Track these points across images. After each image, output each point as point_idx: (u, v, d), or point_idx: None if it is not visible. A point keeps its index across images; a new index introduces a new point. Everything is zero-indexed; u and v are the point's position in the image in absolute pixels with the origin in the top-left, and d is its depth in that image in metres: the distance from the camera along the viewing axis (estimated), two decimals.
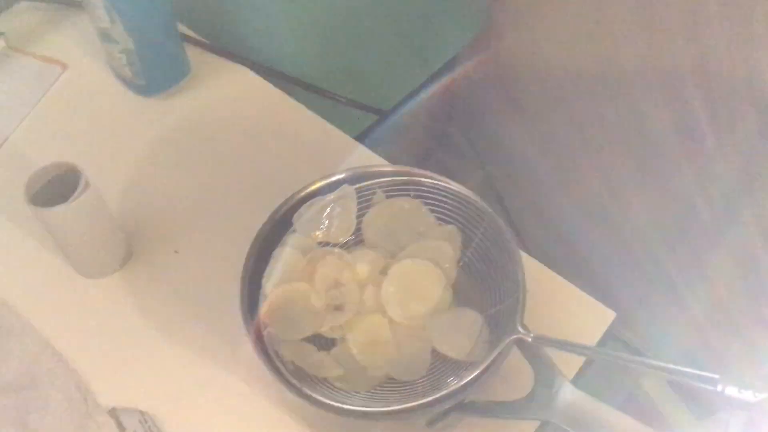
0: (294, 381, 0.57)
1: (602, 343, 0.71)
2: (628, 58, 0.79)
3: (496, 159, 1.22)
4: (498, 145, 1.21)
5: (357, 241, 0.67)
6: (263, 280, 0.62)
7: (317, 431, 0.65)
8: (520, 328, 0.56)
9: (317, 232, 0.65)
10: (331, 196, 0.65)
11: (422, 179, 0.64)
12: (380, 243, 0.66)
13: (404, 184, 0.65)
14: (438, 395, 0.55)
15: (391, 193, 0.66)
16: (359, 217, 0.66)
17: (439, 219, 0.66)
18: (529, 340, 0.56)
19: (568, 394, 0.55)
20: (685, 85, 0.71)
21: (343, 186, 0.65)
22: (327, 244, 0.66)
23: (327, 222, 0.65)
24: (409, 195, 0.65)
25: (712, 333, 0.86)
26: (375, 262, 0.65)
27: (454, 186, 0.64)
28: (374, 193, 0.66)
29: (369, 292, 0.64)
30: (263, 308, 0.61)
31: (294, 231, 0.64)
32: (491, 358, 0.56)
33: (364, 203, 0.66)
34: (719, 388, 0.48)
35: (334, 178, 0.65)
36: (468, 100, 1.23)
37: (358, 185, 0.65)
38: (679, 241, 0.82)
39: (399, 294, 0.63)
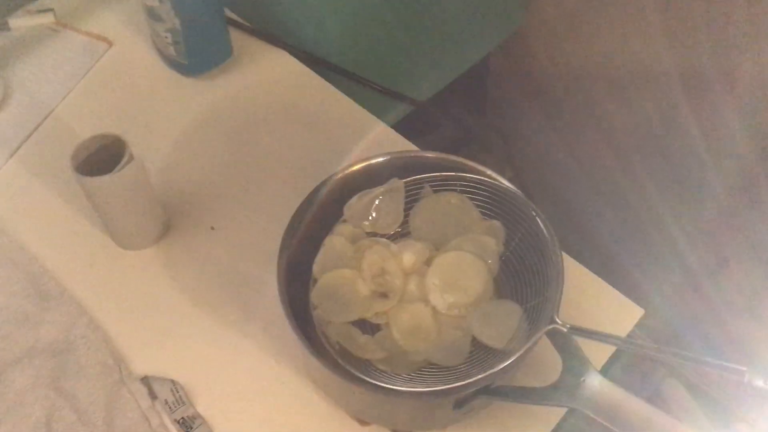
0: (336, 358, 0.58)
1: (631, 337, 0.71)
2: (659, 61, 0.79)
3: (526, 156, 1.22)
4: (527, 143, 1.22)
5: (404, 233, 0.68)
6: (314, 266, 0.64)
7: (344, 408, 0.67)
8: (556, 319, 0.57)
9: (366, 222, 0.67)
10: (381, 188, 0.66)
11: (469, 174, 0.65)
12: (426, 235, 0.67)
13: (452, 179, 0.66)
14: (472, 380, 0.56)
15: (438, 188, 0.67)
16: (406, 209, 0.67)
17: (484, 213, 0.67)
18: (565, 330, 0.57)
19: (596, 383, 0.56)
20: (712, 85, 0.71)
21: (393, 179, 0.66)
22: (375, 234, 0.67)
23: (375, 213, 0.67)
24: (455, 190, 0.66)
25: (734, 322, 0.86)
26: (420, 253, 0.66)
27: (503, 182, 0.65)
28: (422, 187, 0.67)
29: (413, 281, 0.65)
30: (313, 291, 0.63)
31: (344, 220, 0.67)
32: (527, 346, 0.57)
33: (412, 196, 0.67)
34: (746, 379, 0.48)
35: (374, 161, 0.66)
36: (500, 96, 1.24)
37: (406, 179, 0.66)
38: (698, 229, 0.82)
39: (442, 284, 0.64)
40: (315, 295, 0.63)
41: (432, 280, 0.64)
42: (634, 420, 0.54)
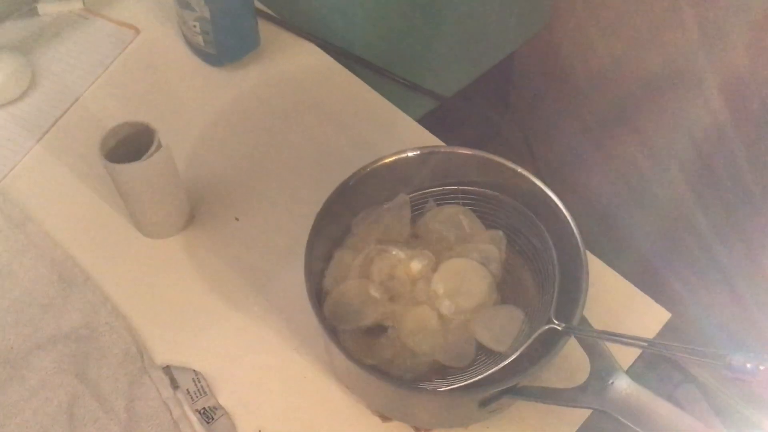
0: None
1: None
2: (694, 61, 0.78)
3: (548, 154, 1.21)
4: (553, 141, 1.21)
5: (411, 245, 0.69)
6: (324, 280, 0.66)
7: (366, 403, 0.66)
8: (553, 319, 0.59)
9: (374, 235, 0.68)
10: (387, 205, 0.68)
11: (471, 188, 0.68)
12: (432, 245, 0.68)
13: (454, 192, 0.69)
14: (478, 377, 0.58)
15: (441, 201, 0.69)
16: (412, 222, 0.69)
17: (488, 221, 0.69)
18: (560, 329, 0.58)
19: (624, 385, 0.55)
20: (744, 85, 0.70)
21: (400, 195, 0.68)
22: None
23: (383, 227, 0.68)
24: (458, 203, 0.69)
25: (761, 316, 0.84)
26: (427, 259, 0.67)
27: (505, 199, 0.67)
28: (426, 201, 0.69)
29: (420, 285, 0.66)
30: (326, 304, 0.65)
31: (353, 234, 0.68)
32: (525, 346, 0.59)
33: (417, 210, 0.70)
34: (727, 361, 0.48)
35: (405, 155, 0.66)
36: (525, 94, 1.23)
37: (411, 194, 0.69)
38: (730, 228, 0.81)
39: (447, 289, 0.65)
40: (328, 308, 0.64)
41: (437, 285, 0.65)
42: (662, 424, 0.53)
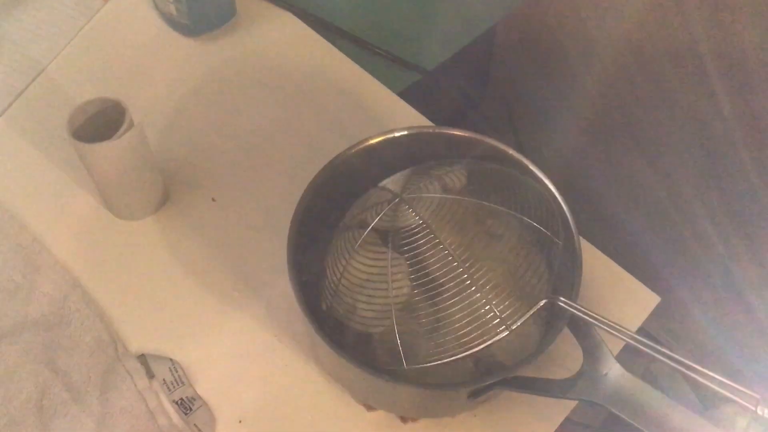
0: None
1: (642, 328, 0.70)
2: (694, 38, 0.75)
3: (530, 128, 1.19)
4: (532, 115, 1.19)
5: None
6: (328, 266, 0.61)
7: (346, 391, 0.64)
8: (550, 293, 0.57)
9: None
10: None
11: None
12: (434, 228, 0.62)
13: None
14: (470, 351, 0.55)
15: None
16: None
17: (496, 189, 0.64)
18: (560, 304, 0.56)
19: (618, 376, 0.54)
20: (753, 69, 0.68)
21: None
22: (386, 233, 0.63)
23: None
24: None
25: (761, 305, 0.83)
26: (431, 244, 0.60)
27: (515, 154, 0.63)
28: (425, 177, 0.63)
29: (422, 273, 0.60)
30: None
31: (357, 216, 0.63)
32: (523, 319, 0.56)
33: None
34: (759, 410, 0.47)
35: (392, 135, 0.63)
36: (507, 67, 1.20)
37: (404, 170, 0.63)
38: (734, 227, 0.80)
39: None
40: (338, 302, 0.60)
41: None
42: (655, 416, 0.52)
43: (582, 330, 0.56)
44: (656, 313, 0.69)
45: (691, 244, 0.83)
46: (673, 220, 0.85)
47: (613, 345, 0.64)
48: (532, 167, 0.63)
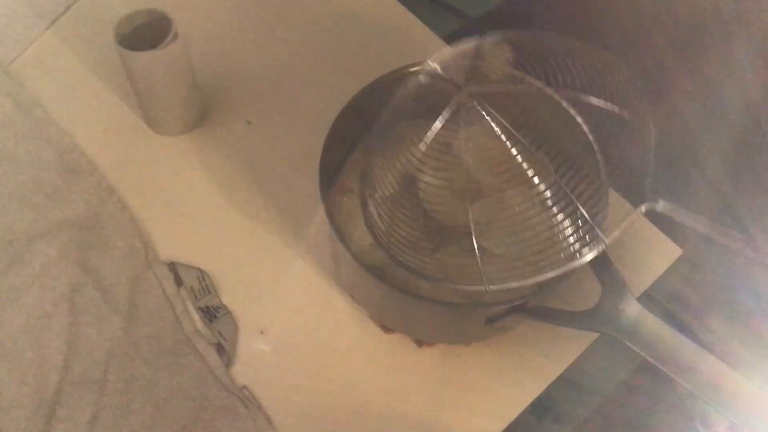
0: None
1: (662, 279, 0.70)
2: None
3: None
4: None
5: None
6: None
7: (369, 313, 0.66)
8: (649, 195, 0.53)
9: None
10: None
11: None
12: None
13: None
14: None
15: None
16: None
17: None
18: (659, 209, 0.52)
19: (635, 312, 0.55)
20: None
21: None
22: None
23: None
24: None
25: None
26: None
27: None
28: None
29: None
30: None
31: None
32: (624, 225, 0.52)
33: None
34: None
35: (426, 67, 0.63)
36: (551, 21, 1.19)
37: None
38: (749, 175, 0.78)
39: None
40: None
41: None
42: (669, 352, 0.53)
43: (600, 265, 0.56)
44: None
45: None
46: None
47: (635, 287, 0.65)
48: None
